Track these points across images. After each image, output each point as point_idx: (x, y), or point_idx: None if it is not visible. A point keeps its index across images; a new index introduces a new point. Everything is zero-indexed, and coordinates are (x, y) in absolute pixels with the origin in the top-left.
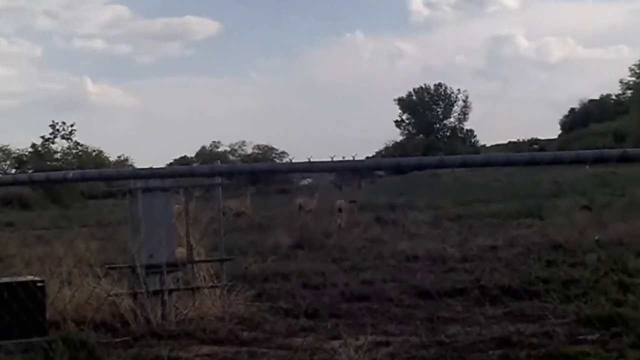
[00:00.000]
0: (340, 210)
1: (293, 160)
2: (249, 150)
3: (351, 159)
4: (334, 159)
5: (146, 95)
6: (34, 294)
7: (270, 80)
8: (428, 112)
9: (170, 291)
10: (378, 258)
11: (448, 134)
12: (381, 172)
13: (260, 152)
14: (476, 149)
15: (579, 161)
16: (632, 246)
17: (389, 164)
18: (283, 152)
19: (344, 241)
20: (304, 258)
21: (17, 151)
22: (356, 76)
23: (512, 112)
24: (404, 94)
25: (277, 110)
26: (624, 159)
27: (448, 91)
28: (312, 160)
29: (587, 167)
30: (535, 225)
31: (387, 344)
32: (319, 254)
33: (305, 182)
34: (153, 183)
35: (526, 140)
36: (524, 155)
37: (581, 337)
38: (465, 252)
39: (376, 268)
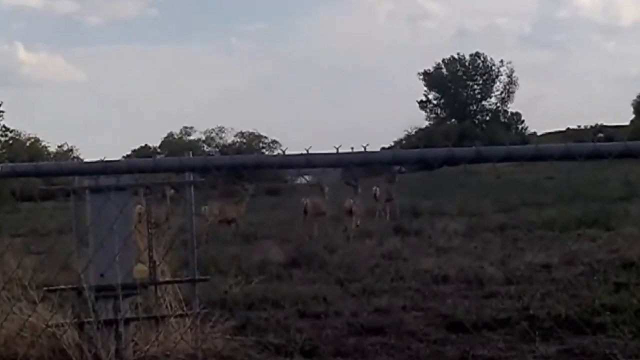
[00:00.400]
0: (350, 212)
1: (287, 152)
2: (230, 139)
3: (361, 149)
4: (339, 151)
5: (95, 67)
6: None
7: (256, 49)
8: (462, 89)
9: (127, 321)
10: (396, 279)
11: (487, 118)
12: (401, 168)
13: (243, 141)
14: (524, 138)
15: None
16: None
17: (410, 157)
18: (274, 142)
19: (353, 256)
20: (301, 279)
21: None
22: (369, 44)
23: (570, 91)
24: (430, 67)
25: (265, 88)
26: None
27: (488, 63)
28: (310, 152)
29: None
30: (600, 237)
31: None
32: (320, 273)
33: (303, 179)
34: (105, 181)
35: (589, 127)
36: (586, 146)
37: None
38: (509, 272)
39: (394, 292)
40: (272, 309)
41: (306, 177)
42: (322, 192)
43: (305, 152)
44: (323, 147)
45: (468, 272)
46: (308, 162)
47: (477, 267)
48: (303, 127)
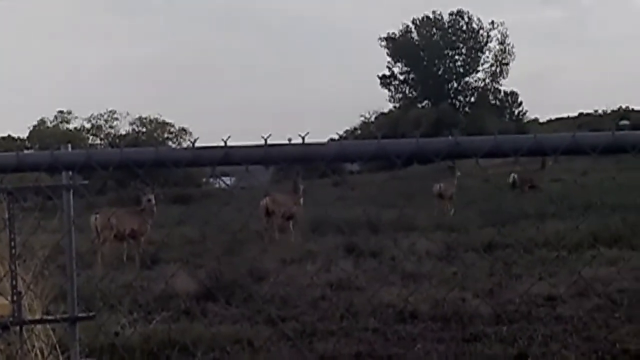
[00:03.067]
0: (290, 217)
1: (199, 145)
2: (124, 128)
3: (299, 141)
4: (269, 142)
5: None
6: None
7: (160, 5)
8: (438, 61)
9: None
10: (348, 316)
11: (473, 99)
12: (354, 166)
13: (142, 129)
14: (521, 126)
15: None
16: None
17: (364, 151)
18: (183, 131)
19: (289, 286)
20: (218, 316)
21: None
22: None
23: (585, 64)
24: (395, 30)
25: (170, 59)
26: None
27: (473, 25)
28: (230, 144)
29: None
30: (622, 259)
31: None
32: (244, 308)
33: (222, 182)
34: None
35: (609, 111)
36: (602, 136)
37: None
38: (499, 307)
39: (344, 334)
40: (180, 357)
41: (226, 178)
42: (295, 188)
43: (222, 144)
44: (248, 137)
45: (445, 307)
46: (226, 157)
47: (456, 300)
48: (221, 112)
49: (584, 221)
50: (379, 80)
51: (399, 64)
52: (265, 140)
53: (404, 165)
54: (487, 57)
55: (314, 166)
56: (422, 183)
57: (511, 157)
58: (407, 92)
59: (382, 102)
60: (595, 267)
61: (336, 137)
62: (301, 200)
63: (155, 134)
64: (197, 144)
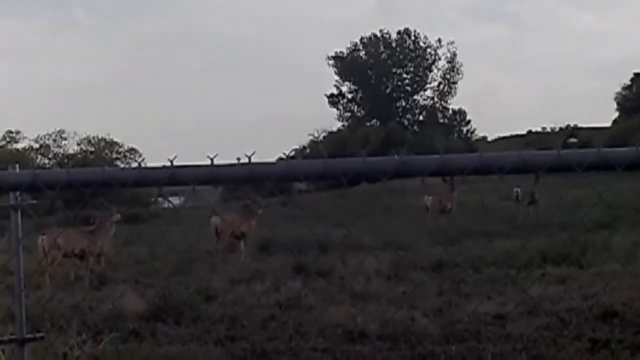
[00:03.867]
0: (241, 237)
1: (145, 165)
2: (72, 147)
3: (245, 161)
4: (216, 163)
5: None
6: None
7: (112, 25)
8: (386, 79)
9: None
10: (297, 336)
11: (421, 118)
12: (302, 185)
13: (91, 149)
14: (470, 144)
15: None
16: None
17: (311, 170)
18: (132, 151)
19: (238, 305)
20: (167, 336)
21: None
22: (261, 18)
23: (532, 82)
24: (343, 48)
25: (121, 78)
26: None
27: (421, 44)
28: (176, 164)
29: None
30: (571, 277)
31: None
32: (193, 328)
33: (172, 201)
34: None
35: (557, 129)
36: (548, 155)
37: None
38: (449, 326)
39: (293, 354)
40: None
41: (175, 197)
42: (250, 211)
43: (169, 164)
44: (196, 157)
45: (393, 326)
46: (172, 177)
47: (405, 319)
48: (170, 131)
49: (531, 240)
50: (327, 100)
51: (347, 83)
52: (212, 160)
53: (353, 184)
54: (436, 75)
55: (262, 185)
56: (371, 202)
57: (457, 175)
58: (355, 110)
59: (331, 120)
60: (544, 286)
61: (284, 156)
62: (255, 220)
63: (103, 154)
64: (144, 164)
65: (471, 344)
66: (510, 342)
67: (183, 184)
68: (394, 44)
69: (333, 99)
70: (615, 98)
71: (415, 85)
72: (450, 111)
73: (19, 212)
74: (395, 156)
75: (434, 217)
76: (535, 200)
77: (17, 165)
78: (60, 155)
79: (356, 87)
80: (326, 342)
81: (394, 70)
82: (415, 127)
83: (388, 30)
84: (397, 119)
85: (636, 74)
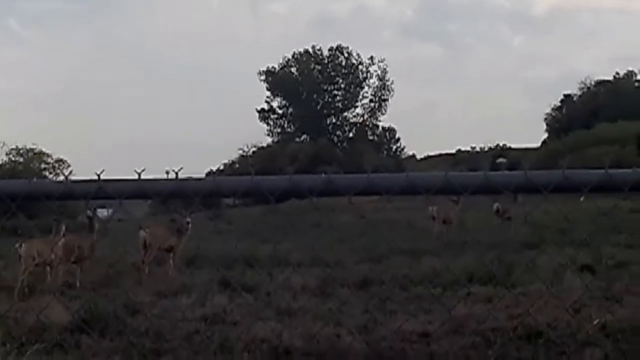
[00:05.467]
0: (169, 250)
1: (72, 178)
2: (0, 158)
3: (172, 176)
4: (142, 177)
5: None
6: None
7: (44, 36)
8: (317, 96)
9: None
10: (222, 351)
11: (351, 135)
12: (231, 200)
13: (19, 160)
14: (399, 162)
15: (571, 188)
16: None
17: (238, 187)
18: (60, 162)
19: (163, 319)
20: (92, 348)
21: None
22: (196, 33)
23: (463, 101)
24: (275, 64)
25: (51, 90)
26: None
27: (353, 60)
28: (103, 177)
29: (582, 198)
30: (497, 297)
31: None
32: (118, 341)
33: (96, 215)
34: None
35: (486, 149)
36: (474, 177)
37: None
38: (374, 344)
39: None
40: None
41: (101, 210)
42: (178, 225)
43: (96, 177)
44: (126, 171)
45: (320, 343)
46: (99, 191)
47: (331, 336)
48: (101, 143)
49: (458, 259)
50: (257, 115)
51: (278, 98)
52: (139, 174)
53: (281, 200)
54: (367, 92)
55: (191, 200)
56: (299, 218)
57: (383, 195)
58: (285, 126)
59: (261, 136)
60: (468, 305)
61: (214, 170)
62: (183, 234)
63: (32, 165)
64: (71, 177)
65: None
66: None
67: (110, 197)
68: (325, 61)
69: (264, 114)
70: (545, 119)
71: (346, 102)
72: (380, 129)
73: None
74: (323, 174)
75: (439, 229)
76: (511, 217)
77: None
78: None
79: (287, 103)
80: (251, 358)
81: (325, 86)
82: (345, 144)
83: (320, 47)
84: (327, 135)
85: (566, 96)
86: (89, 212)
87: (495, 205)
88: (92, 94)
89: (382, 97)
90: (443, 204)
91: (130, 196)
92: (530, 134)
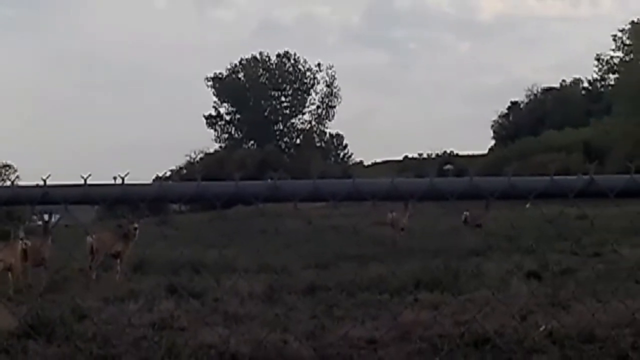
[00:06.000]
0: (117, 256)
1: (18, 183)
2: None
3: (118, 182)
4: (88, 182)
5: None
6: None
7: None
8: (264, 102)
9: None
10: (169, 357)
11: (298, 141)
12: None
13: None
14: (346, 168)
15: (517, 194)
16: (608, 343)
17: (183, 193)
18: (6, 167)
19: (111, 324)
20: (38, 354)
21: None
22: (142, 39)
23: (410, 107)
24: (222, 70)
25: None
26: (591, 193)
27: (300, 67)
28: (49, 183)
29: (528, 205)
30: (444, 303)
31: None
32: (65, 347)
33: (42, 220)
34: None
35: (434, 156)
36: (420, 183)
37: None
38: (321, 349)
39: None
40: None
41: (51, 214)
42: (125, 230)
43: (42, 183)
44: (72, 176)
45: (267, 349)
46: (45, 196)
47: (278, 342)
48: (48, 149)
49: (403, 266)
50: (205, 121)
51: (225, 104)
52: (85, 180)
53: (228, 206)
54: (314, 99)
55: (138, 205)
56: (245, 224)
57: (329, 200)
58: (233, 132)
59: (208, 142)
60: (416, 311)
61: (160, 176)
62: (130, 239)
63: None
64: (17, 182)
65: None
66: None
67: (56, 203)
68: (273, 67)
69: (211, 120)
70: (492, 126)
71: (293, 109)
72: (328, 135)
73: None
74: (269, 180)
75: (395, 235)
76: (481, 224)
77: None
78: None
79: (234, 109)
80: None
81: (272, 93)
82: (293, 151)
83: (268, 53)
84: (275, 141)
85: (513, 103)
86: (45, 217)
87: (464, 214)
88: (39, 99)
89: (330, 104)
90: (398, 210)
91: (76, 201)
92: (477, 141)
